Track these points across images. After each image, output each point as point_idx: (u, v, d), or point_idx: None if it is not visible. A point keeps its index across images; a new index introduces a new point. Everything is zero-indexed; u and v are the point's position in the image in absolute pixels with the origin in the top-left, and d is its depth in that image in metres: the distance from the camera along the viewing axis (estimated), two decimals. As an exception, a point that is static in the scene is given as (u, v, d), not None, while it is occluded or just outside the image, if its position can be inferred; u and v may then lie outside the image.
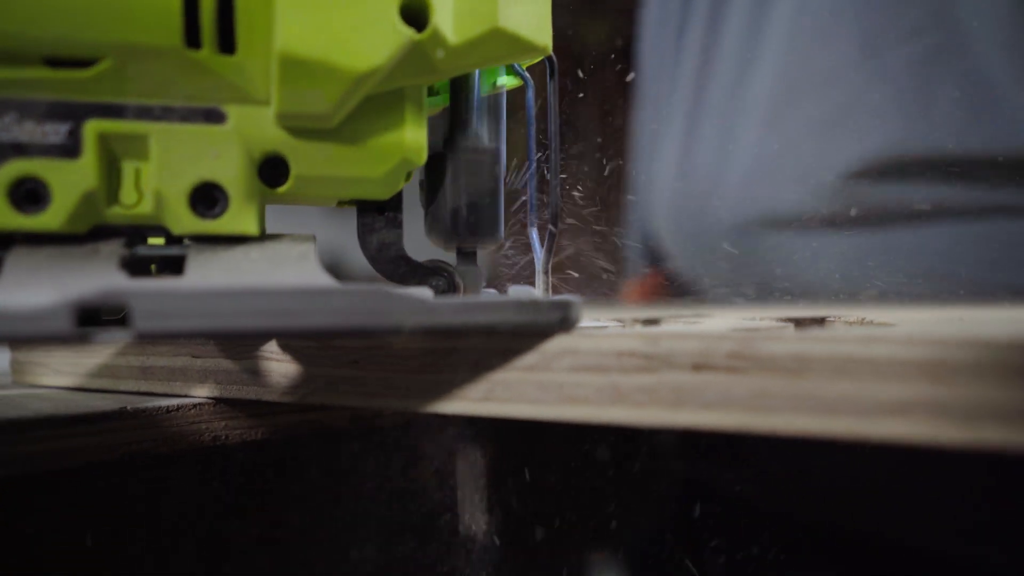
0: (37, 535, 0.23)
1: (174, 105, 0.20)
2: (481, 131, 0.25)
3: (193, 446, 0.25)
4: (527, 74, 0.26)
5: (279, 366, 0.24)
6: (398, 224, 0.24)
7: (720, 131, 0.54)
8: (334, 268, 0.21)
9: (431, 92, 0.25)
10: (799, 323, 0.23)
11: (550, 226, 0.25)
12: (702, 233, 0.54)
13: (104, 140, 0.19)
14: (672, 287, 0.58)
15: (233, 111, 0.20)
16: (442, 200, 0.24)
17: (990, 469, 0.41)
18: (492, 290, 0.26)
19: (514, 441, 0.35)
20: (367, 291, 0.19)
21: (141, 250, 0.20)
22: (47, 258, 0.19)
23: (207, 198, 0.20)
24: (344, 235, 0.31)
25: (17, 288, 0.17)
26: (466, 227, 0.24)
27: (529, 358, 0.20)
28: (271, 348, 0.24)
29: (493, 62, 0.22)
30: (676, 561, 0.48)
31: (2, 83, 0.19)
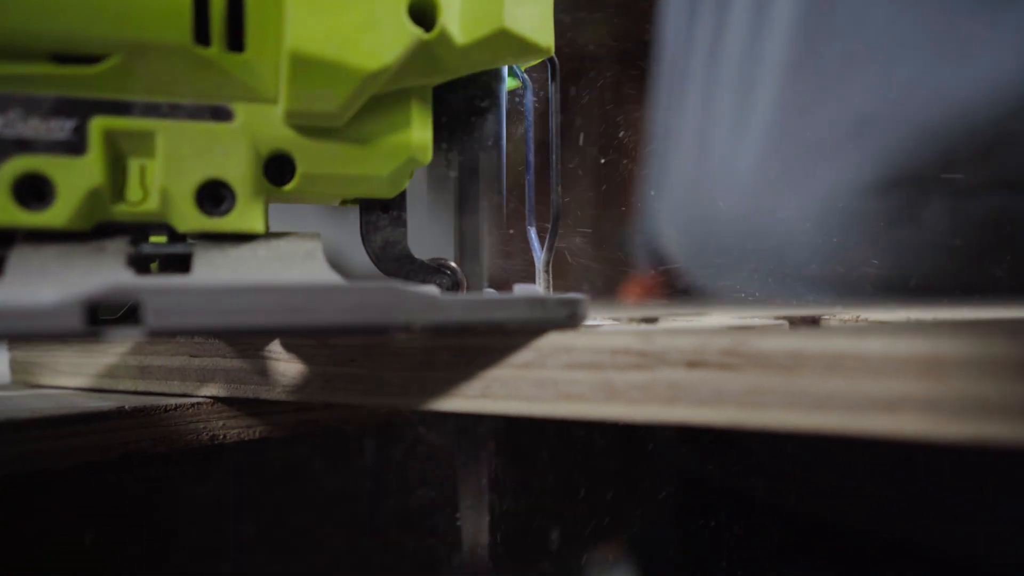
0: (35, 535, 0.23)
1: (182, 102, 0.20)
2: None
3: (191, 445, 0.25)
4: (525, 76, 0.26)
5: (276, 365, 0.24)
6: (402, 223, 0.24)
7: (730, 131, 0.54)
8: (333, 267, 0.21)
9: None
10: (794, 321, 0.23)
11: (551, 224, 0.25)
12: (708, 233, 0.54)
13: (110, 137, 0.19)
14: (673, 287, 0.58)
15: (241, 109, 0.20)
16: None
17: (989, 466, 0.42)
18: (492, 289, 0.26)
19: (515, 438, 0.35)
20: (379, 288, 0.19)
21: (147, 248, 0.20)
22: (52, 256, 0.19)
23: (213, 196, 0.20)
24: (342, 235, 0.31)
25: (22, 286, 0.17)
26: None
27: (525, 355, 0.20)
28: (268, 347, 0.24)
29: (498, 63, 0.23)
30: (676, 557, 0.48)
31: (7, 79, 0.19)
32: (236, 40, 0.20)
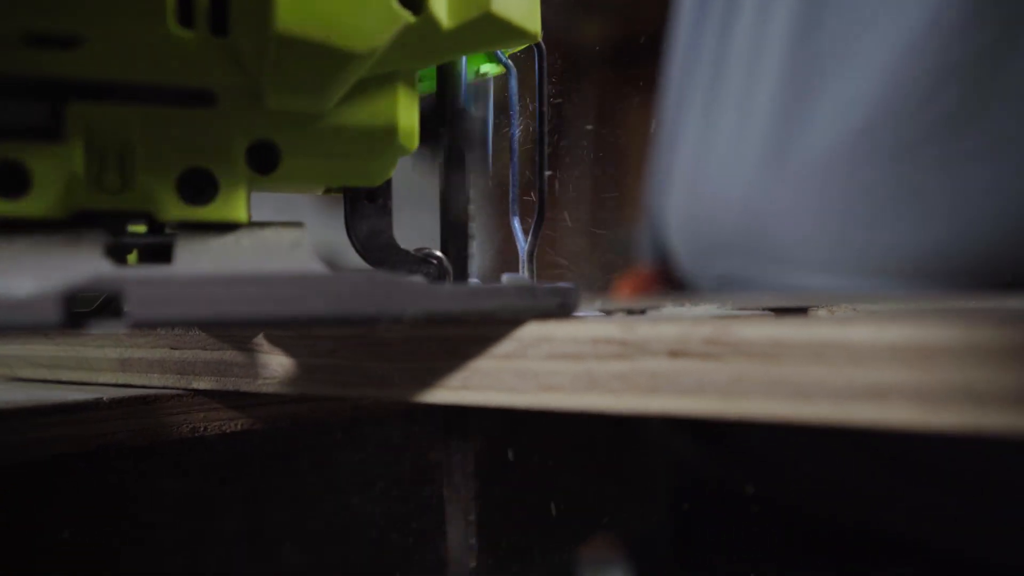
0: (11, 527, 0.23)
1: (163, 87, 0.19)
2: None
3: (171, 438, 0.25)
4: (510, 62, 0.26)
5: (257, 357, 0.24)
6: (388, 211, 0.23)
7: (732, 133, 0.54)
8: (326, 262, 0.21)
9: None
10: (780, 312, 0.23)
11: (536, 213, 0.25)
12: (710, 231, 0.54)
13: (88, 122, 0.19)
14: (672, 282, 0.58)
15: (224, 94, 0.20)
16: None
17: (986, 465, 0.41)
18: (476, 280, 0.26)
19: (504, 431, 0.35)
20: (369, 278, 0.18)
21: (126, 238, 0.20)
22: (25, 246, 0.18)
23: (196, 184, 0.19)
24: (327, 230, 0.30)
25: (2, 277, 0.17)
26: None
27: (505, 346, 0.19)
28: (248, 339, 0.24)
29: (484, 47, 0.22)
30: (671, 555, 0.48)
31: None
32: (220, 23, 0.19)
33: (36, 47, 0.18)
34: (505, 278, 0.25)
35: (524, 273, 0.25)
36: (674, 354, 0.17)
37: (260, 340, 0.24)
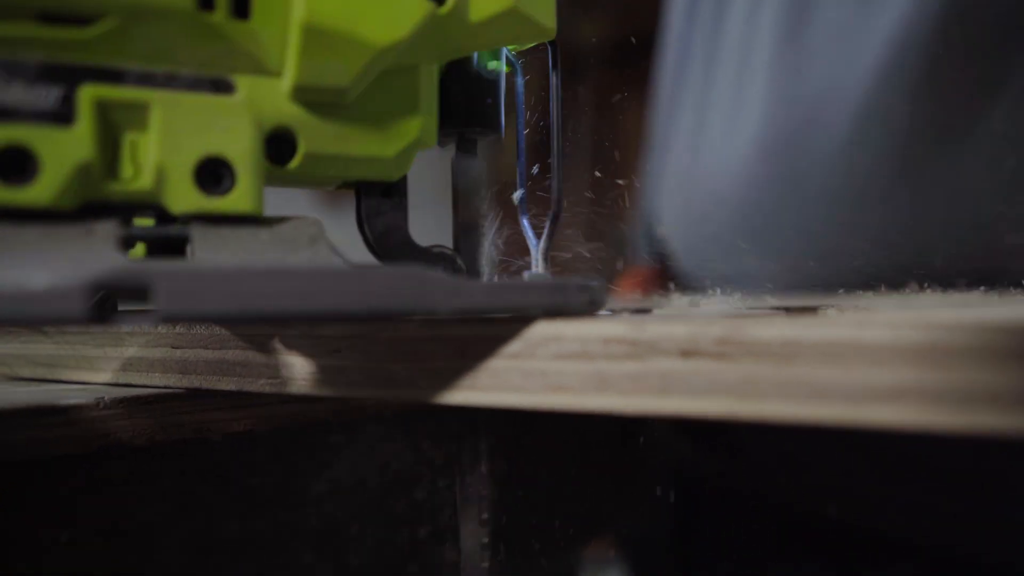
0: (12, 528, 0.23)
1: (180, 72, 0.18)
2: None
3: (173, 438, 0.25)
4: (515, 60, 0.26)
5: (259, 356, 0.23)
6: (404, 208, 0.23)
7: (725, 128, 0.53)
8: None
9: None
10: (790, 311, 0.22)
11: (552, 211, 0.25)
12: (706, 226, 0.54)
13: (101, 107, 0.18)
14: (672, 280, 0.58)
15: (243, 82, 0.19)
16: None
17: (988, 465, 0.41)
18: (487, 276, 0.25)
19: (506, 431, 0.34)
20: (402, 273, 0.18)
21: (140, 229, 0.19)
22: (35, 237, 0.17)
23: (212, 174, 0.18)
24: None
25: (8, 269, 0.16)
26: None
27: (513, 345, 0.19)
28: (251, 338, 0.24)
29: (504, 42, 0.22)
30: (670, 554, 0.48)
31: None
32: (241, 7, 0.19)
33: (48, 24, 0.17)
34: (527, 275, 0.25)
35: (537, 270, 0.24)
36: (686, 354, 0.17)
37: (263, 339, 0.23)
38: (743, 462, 0.50)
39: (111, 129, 0.18)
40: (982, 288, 0.37)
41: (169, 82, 0.18)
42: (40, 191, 0.17)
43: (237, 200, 0.19)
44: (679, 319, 0.17)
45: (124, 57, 0.18)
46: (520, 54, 0.26)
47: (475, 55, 0.24)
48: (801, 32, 0.48)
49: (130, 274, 0.16)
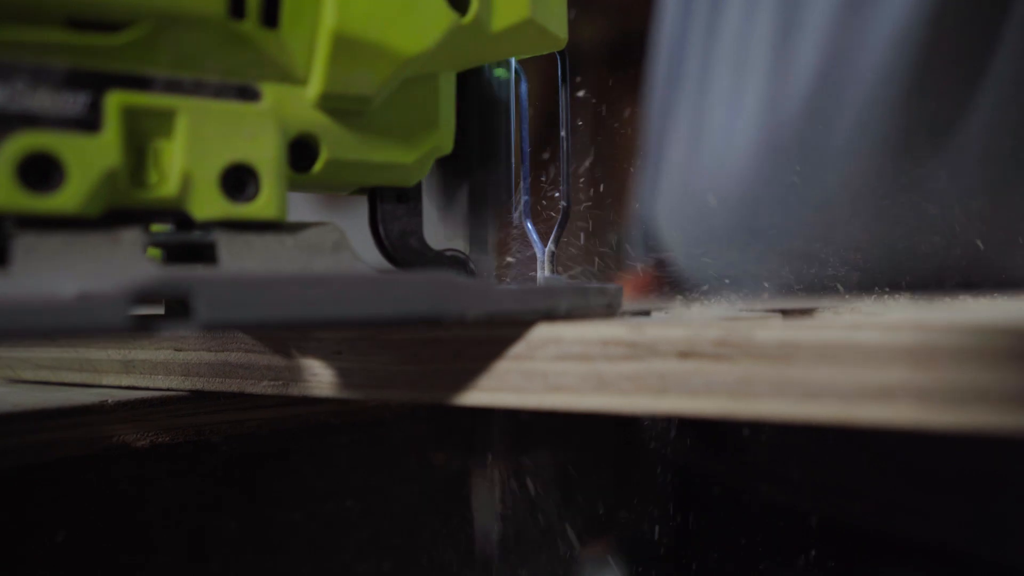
0: (17, 530, 0.23)
1: (207, 80, 0.18)
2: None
3: (176, 439, 0.25)
4: (519, 67, 0.26)
5: (261, 358, 0.24)
6: (419, 212, 0.23)
7: (722, 128, 0.54)
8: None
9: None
10: (787, 313, 0.23)
11: (560, 215, 0.25)
12: (703, 228, 0.54)
13: (128, 114, 0.18)
14: (669, 282, 0.58)
15: (268, 89, 0.19)
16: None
17: (987, 464, 0.42)
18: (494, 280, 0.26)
19: (505, 431, 0.35)
20: (433, 279, 0.18)
21: (165, 236, 0.19)
22: (60, 245, 0.17)
23: (237, 181, 0.19)
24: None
25: (38, 278, 0.16)
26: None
27: (514, 347, 0.20)
28: (252, 340, 0.24)
29: (519, 52, 0.23)
30: (670, 554, 0.48)
31: (14, 45, 0.17)
32: (271, 16, 0.19)
33: (77, 30, 0.17)
34: (542, 279, 0.25)
35: (544, 274, 0.25)
36: (684, 355, 0.17)
37: (264, 342, 0.24)
38: (744, 462, 0.50)
39: (137, 136, 0.18)
40: (973, 290, 0.37)
41: (196, 89, 0.18)
42: (66, 199, 0.17)
43: (262, 207, 0.19)
44: (677, 322, 0.18)
45: (152, 64, 0.18)
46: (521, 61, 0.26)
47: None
48: (797, 31, 0.48)
49: (170, 282, 0.16)
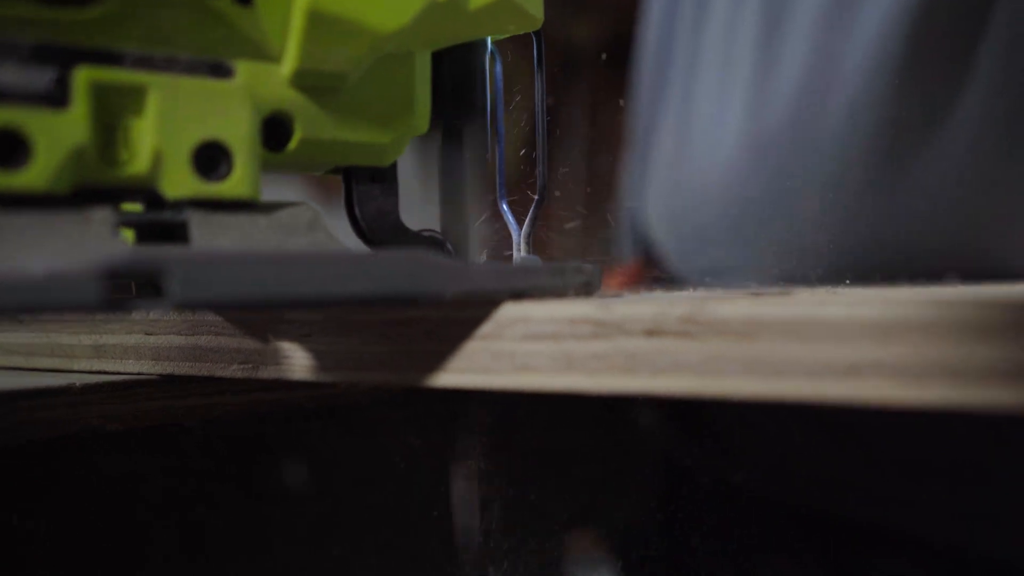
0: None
1: (179, 56, 0.18)
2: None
3: (146, 424, 0.25)
4: (494, 47, 0.26)
5: (231, 341, 0.23)
6: (395, 192, 0.23)
7: (710, 122, 0.53)
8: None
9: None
10: (760, 295, 0.23)
11: (537, 194, 0.25)
12: (693, 222, 0.54)
13: (97, 90, 0.17)
14: (659, 275, 0.58)
15: (242, 66, 0.19)
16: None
17: (973, 455, 0.41)
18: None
19: (490, 419, 0.34)
20: (410, 257, 0.18)
21: (136, 216, 0.19)
22: (28, 223, 0.16)
23: (209, 159, 0.18)
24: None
25: (7, 256, 0.15)
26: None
27: (483, 327, 0.19)
28: (223, 323, 0.24)
29: (495, 31, 0.22)
30: (659, 548, 0.48)
31: None
32: None
33: (46, 4, 0.17)
34: (517, 259, 0.25)
35: (523, 254, 0.25)
36: (650, 333, 0.17)
37: (234, 325, 0.23)
38: (733, 455, 0.50)
39: (107, 113, 0.18)
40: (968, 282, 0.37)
41: (167, 66, 0.18)
42: (33, 176, 0.16)
43: (235, 185, 0.18)
44: (644, 300, 0.18)
45: (122, 39, 0.18)
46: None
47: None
48: (784, 26, 0.48)
49: (142, 260, 0.16)
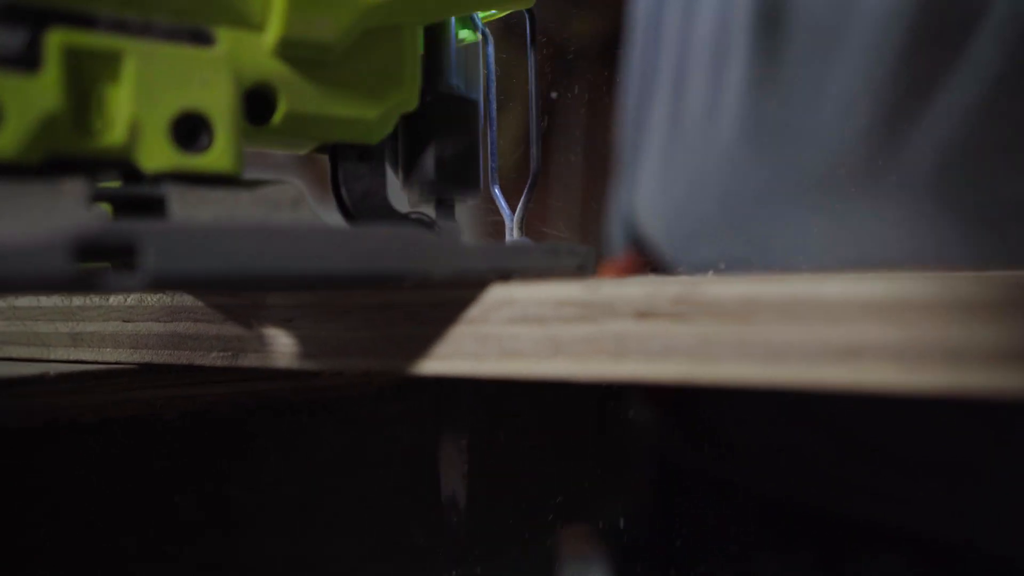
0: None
1: (157, 21, 0.17)
2: (459, 81, 0.24)
3: (124, 415, 0.24)
4: (486, 29, 0.25)
5: (211, 328, 0.23)
6: (383, 172, 0.22)
7: (703, 113, 0.53)
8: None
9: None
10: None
11: (530, 177, 0.25)
12: (687, 215, 0.54)
13: (70, 54, 0.16)
14: (651, 269, 0.57)
15: (223, 34, 0.18)
16: (421, 149, 0.23)
17: (968, 451, 0.41)
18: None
19: (476, 409, 0.34)
20: (399, 233, 0.18)
21: (115, 189, 0.18)
22: None
23: (189, 130, 0.18)
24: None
25: None
26: (447, 177, 0.23)
27: (470, 310, 0.19)
28: (203, 309, 0.23)
29: (486, 7, 0.22)
30: (652, 544, 0.47)
31: None
32: None
33: None
34: (511, 241, 0.24)
35: (515, 237, 0.24)
36: (641, 315, 0.16)
37: (214, 311, 0.23)
38: (726, 450, 0.50)
39: (81, 79, 0.17)
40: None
41: (144, 31, 0.17)
42: (2, 143, 0.16)
43: (216, 159, 0.18)
44: (634, 281, 0.17)
45: (97, 1, 0.17)
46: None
47: (452, 19, 0.24)
48: (779, 17, 0.47)
49: (115, 231, 0.15)
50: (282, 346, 0.22)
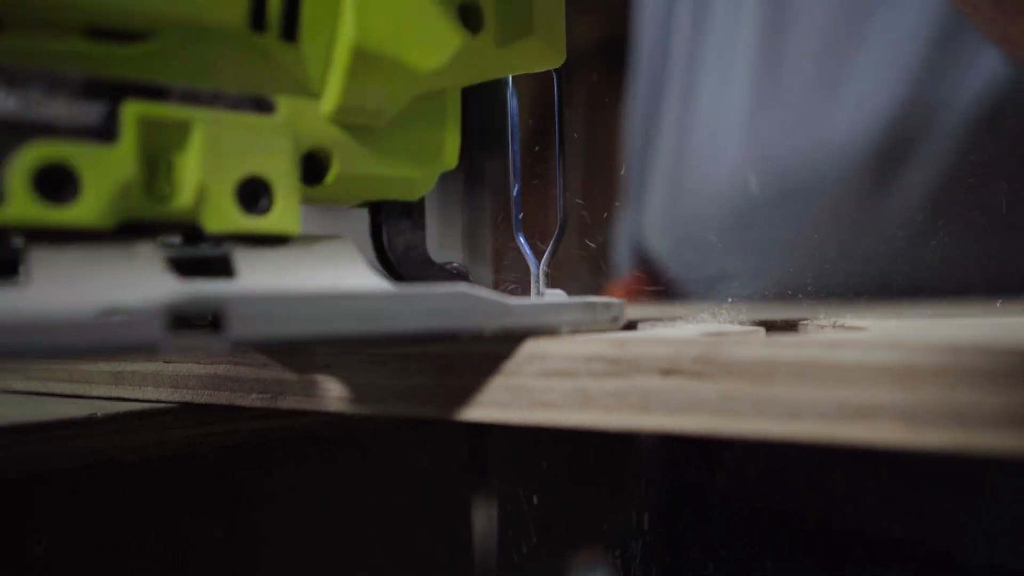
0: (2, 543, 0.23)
1: (224, 91, 0.18)
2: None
3: (165, 453, 0.25)
4: (511, 82, 0.26)
5: (250, 371, 0.24)
6: (422, 226, 0.23)
7: (708, 134, 0.54)
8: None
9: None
10: (771, 327, 0.23)
11: (557, 230, 0.25)
12: (694, 230, 0.54)
13: (144, 124, 0.17)
14: (657, 289, 0.58)
15: (283, 102, 0.19)
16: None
17: (975, 467, 0.42)
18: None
19: (495, 443, 0.35)
20: (454, 293, 0.19)
21: (180, 250, 0.19)
22: (76, 259, 0.16)
23: (251, 194, 0.18)
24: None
25: (56, 293, 0.15)
26: None
27: (505, 363, 0.20)
28: (242, 353, 0.24)
29: (520, 69, 0.23)
30: (658, 559, 0.48)
31: (31, 53, 0.16)
32: (291, 29, 0.19)
33: (96, 39, 0.17)
34: (549, 294, 0.25)
35: (541, 286, 0.25)
36: (666, 372, 0.17)
37: (254, 355, 0.24)
38: (732, 468, 0.50)
39: (153, 147, 0.18)
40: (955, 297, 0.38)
41: (213, 101, 0.18)
42: (82, 210, 0.16)
43: (276, 220, 0.19)
44: (660, 339, 0.18)
45: (169, 74, 0.18)
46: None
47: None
48: (787, 25, 0.48)
49: (204, 300, 0.16)
50: (319, 391, 0.23)
